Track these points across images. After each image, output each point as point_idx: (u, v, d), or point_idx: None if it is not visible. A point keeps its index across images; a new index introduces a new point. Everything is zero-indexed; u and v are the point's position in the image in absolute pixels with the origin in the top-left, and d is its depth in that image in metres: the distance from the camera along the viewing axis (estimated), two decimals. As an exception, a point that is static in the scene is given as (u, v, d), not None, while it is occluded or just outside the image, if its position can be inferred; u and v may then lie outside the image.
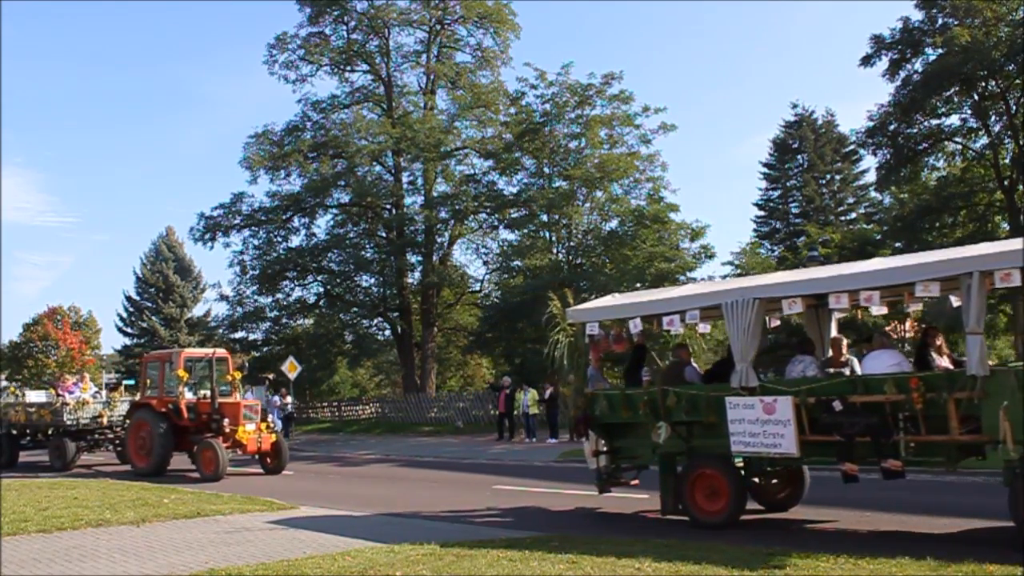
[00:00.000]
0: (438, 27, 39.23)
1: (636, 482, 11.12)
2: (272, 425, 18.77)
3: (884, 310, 8.74)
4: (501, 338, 35.72)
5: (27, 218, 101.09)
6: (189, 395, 18.56)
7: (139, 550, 8.37)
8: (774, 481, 10.41)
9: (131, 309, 53.76)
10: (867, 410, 8.16)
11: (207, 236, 38.26)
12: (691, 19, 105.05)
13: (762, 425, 8.70)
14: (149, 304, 53.31)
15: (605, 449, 10.63)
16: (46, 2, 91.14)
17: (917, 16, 29.97)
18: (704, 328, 11.18)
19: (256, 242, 39.13)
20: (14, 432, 20.55)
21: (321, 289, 40.19)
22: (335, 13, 38.20)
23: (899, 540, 8.26)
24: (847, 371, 9.15)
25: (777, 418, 8.60)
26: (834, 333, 10.20)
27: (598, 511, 11.10)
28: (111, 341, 66.24)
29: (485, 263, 39.71)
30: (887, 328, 21.64)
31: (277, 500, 12.03)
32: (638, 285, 28.83)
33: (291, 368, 29.97)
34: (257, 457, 18.08)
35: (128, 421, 19.22)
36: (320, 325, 40.28)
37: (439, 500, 12.70)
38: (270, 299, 39.08)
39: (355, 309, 39.35)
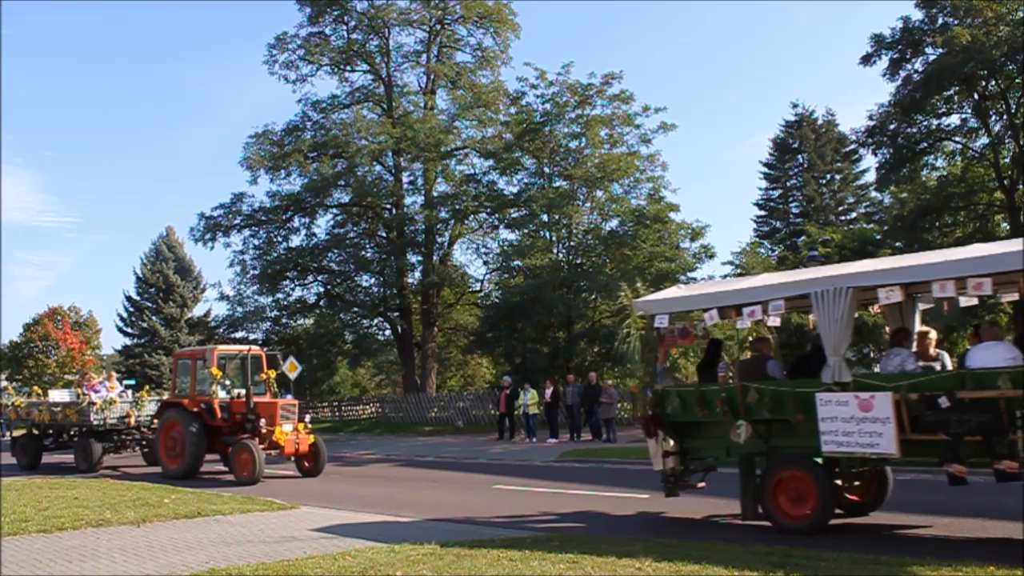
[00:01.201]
0: (438, 27, 39.22)
1: (703, 485, 10.46)
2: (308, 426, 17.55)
3: (975, 301, 8.19)
4: (501, 338, 35.74)
5: (27, 218, 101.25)
6: (222, 394, 17.58)
7: (139, 550, 8.36)
8: (856, 483, 9.74)
9: (131, 309, 53.69)
10: (978, 407, 7.49)
11: (207, 236, 38.28)
12: (691, 19, 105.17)
13: (858, 423, 8.06)
14: (149, 304, 53.22)
15: (674, 450, 9.94)
16: (46, 2, 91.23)
17: (917, 16, 30.02)
18: (774, 321, 10.43)
19: (256, 242, 39.20)
20: (36, 432, 19.93)
21: (321, 289, 40.21)
22: (335, 13, 38.20)
23: (912, 541, 8.24)
24: (937, 366, 8.74)
25: (875, 416, 7.94)
26: (919, 326, 9.60)
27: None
28: (111, 341, 66.55)
29: (485, 263, 39.75)
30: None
31: (277, 500, 12.01)
32: (638, 285, 28.80)
33: (291, 368, 29.92)
34: (293, 459, 17.19)
35: (157, 421, 18.40)
36: (320, 325, 40.22)
37: (446, 501, 12.68)
38: (270, 299, 39.13)
39: (355, 309, 39.31)
